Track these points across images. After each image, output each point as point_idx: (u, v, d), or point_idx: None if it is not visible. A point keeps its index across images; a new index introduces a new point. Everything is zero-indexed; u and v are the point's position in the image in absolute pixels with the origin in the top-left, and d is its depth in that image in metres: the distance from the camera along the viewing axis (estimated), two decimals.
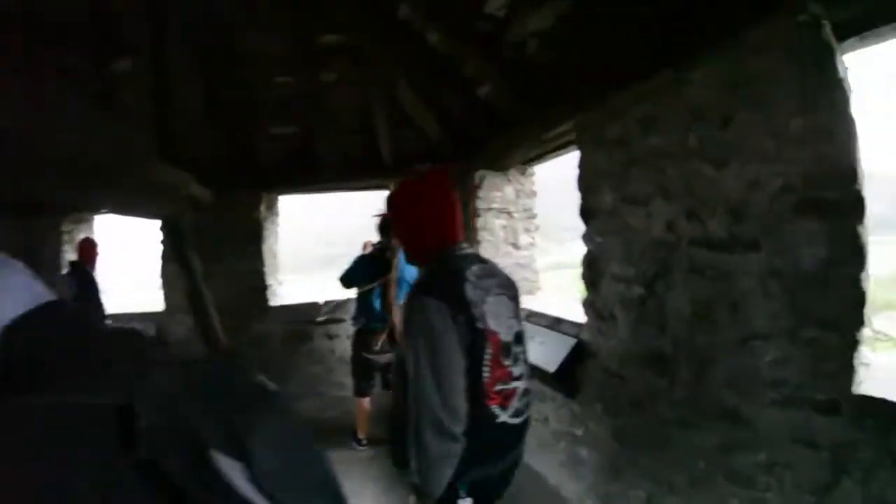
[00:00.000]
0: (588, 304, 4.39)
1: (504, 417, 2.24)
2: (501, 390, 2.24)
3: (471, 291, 2.21)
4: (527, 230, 7.13)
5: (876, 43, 2.57)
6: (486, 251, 6.74)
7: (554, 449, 5.02)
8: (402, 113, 7.20)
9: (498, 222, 6.98)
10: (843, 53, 2.45)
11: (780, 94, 2.62)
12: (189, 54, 6.26)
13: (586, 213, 4.39)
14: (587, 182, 4.38)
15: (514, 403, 2.29)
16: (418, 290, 2.30)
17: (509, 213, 7.02)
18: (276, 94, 7.04)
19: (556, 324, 5.07)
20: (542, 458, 5.21)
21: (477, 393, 2.17)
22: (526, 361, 2.44)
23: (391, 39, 6.11)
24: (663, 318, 3.51)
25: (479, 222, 6.91)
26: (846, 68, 2.42)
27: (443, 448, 2.09)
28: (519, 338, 2.40)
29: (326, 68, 6.87)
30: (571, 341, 4.60)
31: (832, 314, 2.43)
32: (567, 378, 4.55)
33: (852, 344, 2.36)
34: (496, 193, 6.97)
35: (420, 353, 2.13)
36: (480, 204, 6.93)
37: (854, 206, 2.36)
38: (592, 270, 4.31)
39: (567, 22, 4.09)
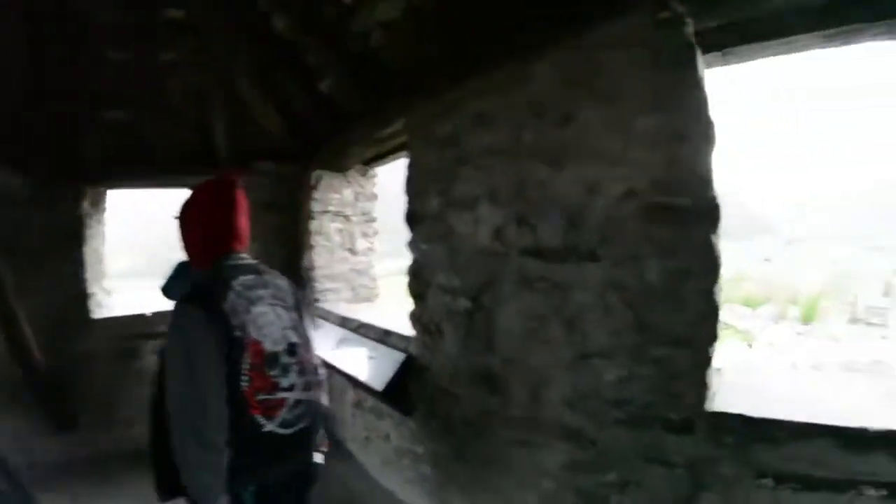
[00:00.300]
0: (415, 318, 3.84)
1: (271, 427, 2.15)
2: (264, 400, 2.15)
3: (233, 300, 2.15)
4: (365, 235, 6.47)
5: (739, 62, 2.48)
6: (320, 256, 6.11)
7: (398, 466, 4.49)
8: (242, 104, 6.27)
9: (334, 226, 6.26)
10: (706, 67, 2.27)
11: (631, 92, 2.34)
12: (12, 18, 5.15)
13: (412, 217, 3.81)
14: (414, 184, 3.81)
15: (283, 414, 2.20)
16: (182, 298, 2.19)
17: (346, 217, 6.33)
18: (108, 72, 5.83)
19: (385, 336, 4.46)
20: (389, 475, 4.69)
21: (238, 402, 2.07)
22: (303, 372, 2.34)
23: (236, 21, 5.34)
24: (491, 334, 3.08)
25: (314, 226, 6.17)
26: (705, 71, 2.22)
27: (205, 457, 1.99)
28: (293, 349, 2.31)
29: (167, 48, 5.88)
30: (401, 356, 4.04)
31: (682, 330, 2.21)
32: (399, 395, 3.97)
33: (704, 361, 2.17)
34: (334, 195, 6.25)
35: (177, 362, 2.05)
36: (316, 206, 6.18)
37: (707, 214, 2.13)
38: (418, 281, 3.76)
39: (414, 11, 3.61)
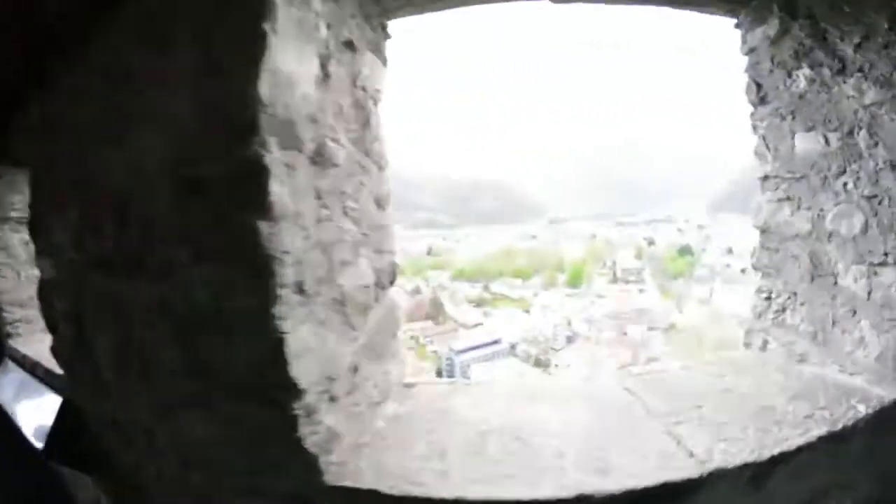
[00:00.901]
0: (55, 353, 2.88)
1: None
2: None
3: None
4: None
5: (442, 7, 2.17)
6: (5, 278, 4.76)
7: None
8: None
9: (18, 237, 4.83)
10: (391, 18, 2.09)
11: (181, 24, 1.64)
12: None
13: (31, 228, 2.86)
14: (32, 185, 2.89)
15: None
16: None
17: None
18: None
19: (51, 378, 3.52)
20: None
21: None
22: None
23: None
24: (100, 374, 2.31)
25: None
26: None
27: None
28: None
29: None
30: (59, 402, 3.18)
31: (243, 375, 1.61)
32: (69, 452, 3.09)
33: (289, 420, 1.59)
34: (16, 196, 4.81)
35: None
36: None
37: (242, 185, 1.46)
38: (45, 306, 2.81)
39: None
